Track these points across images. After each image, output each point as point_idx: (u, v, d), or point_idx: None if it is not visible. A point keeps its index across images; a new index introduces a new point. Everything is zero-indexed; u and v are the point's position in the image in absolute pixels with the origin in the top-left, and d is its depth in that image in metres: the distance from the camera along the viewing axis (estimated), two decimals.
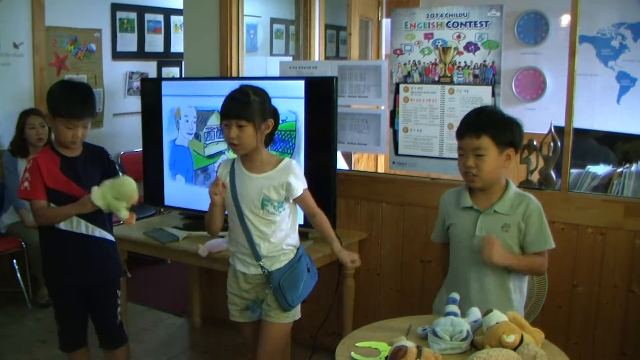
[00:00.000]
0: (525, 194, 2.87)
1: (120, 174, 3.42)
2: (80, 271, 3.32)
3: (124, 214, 3.12)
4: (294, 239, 3.18)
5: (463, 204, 2.89)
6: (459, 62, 3.71)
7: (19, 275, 5.32)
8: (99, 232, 3.32)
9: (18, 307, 5.29)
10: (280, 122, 3.31)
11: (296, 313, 3.20)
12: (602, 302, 3.54)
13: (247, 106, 2.97)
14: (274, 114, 3.11)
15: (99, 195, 3.06)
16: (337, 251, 3.20)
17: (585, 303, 3.57)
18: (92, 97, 3.34)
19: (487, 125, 2.76)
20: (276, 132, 3.20)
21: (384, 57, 6.30)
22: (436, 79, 3.79)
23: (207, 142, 4.14)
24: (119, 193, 3.08)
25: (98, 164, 3.34)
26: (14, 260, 5.34)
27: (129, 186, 3.11)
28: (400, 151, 3.97)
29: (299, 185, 3.07)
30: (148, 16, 7.28)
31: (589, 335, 3.59)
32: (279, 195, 3.04)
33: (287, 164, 3.08)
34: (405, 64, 3.88)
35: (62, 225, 3.24)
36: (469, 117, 2.88)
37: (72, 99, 3.22)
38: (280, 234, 3.09)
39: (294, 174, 3.05)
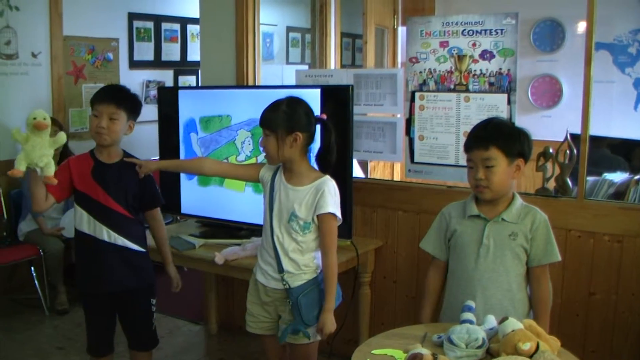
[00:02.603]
0: (531, 207, 2.86)
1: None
2: (98, 278, 3.33)
3: (49, 168, 2.97)
4: (319, 259, 3.08)
5: (470, 213, 2.88)
6: (475, 70, 3.71)
7: (36, 282, 5.35)
8: (122, 241, 3.31)
9: (35, 314, 5.32)
10: None
11: (316, 333, 3.11)
12: (619, 311, 3.52)
13: (271, 116, 2.99)
14: (304, 127, 3.00)
15: (19, 158, 2.93)
16: (324, 309, 3.02)
17: (602, 311, 3.56)
18: (122, 92, 3.39)
19: (495, 136, 2.77)
20: (310, 145, 3.07)
21: (399, 65, 6.32)
22: (452, 87, 3.79)
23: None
24: (29, 126, 2.92)
25: (135, 175, 3.31)
26: (32, 268, 5.37)
27: (29, 115, 2.93)
28: (416, 159, 3.97)
29: (330, 202, 2.97)
30: (165, 25, 7.32)
31: (606, 344, 3.57)
32: (307, 213, 2.99)
33: (325, 180, 3.01)
34: (420, 72, 3.88)
35: (85, 229, 3.28)
36: (476, 129, 2.88)
37: (102, 89, 3.40)
38: (300, 253, 3.04)
39: (329, 189, 2.98)
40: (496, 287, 2.83)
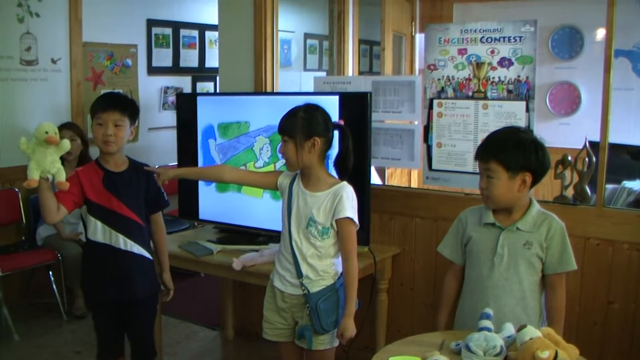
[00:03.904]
0: (549, 214, 2.85)
1: (163, 192, 3.49)
2: (117, 286, 3.34)
3: (61, 174, 3.00)
4: (338, 265, 3.11)
5: (485, 220, 2.88)
6: (493, 78, 3.71)
7: (54, 286, 5.38)
8: (137, 249, 3.34)
9: (53, 318, 5.34)
10: None
11: (333, 339, 3.14)
12: (638, 320, 3.49)
13: (288, 122, 3.02)
14: (321, 132, 3.01)
15: (31, 168, 2.96)
16: (345, 315, 3.02)
17: (620, 320, 3.53)
18: (123, 98, 3.47)
19: (494, 150, 2.77)
20: (328, 151, 3.09)
21: (417, 72, 6.32)
22: (470, 94, 3.79)
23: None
24: (38, 140, 2.94)
25: (144, 183, 3.36)
26: (50, 272, 5.40)
27: (39, 129, 2.96)
28: (433, 166, 3.96)
29: (348, 207, 2.99)
30: (183, 32, 7.35)
31: (624, 353, 3.54)
32: (325, 218, 3.01)
33: (343, 186, 3.04)
34: (439, 80, 3.88)
35: (100, 238, 3.28)
36: (485, 139, 2.89)
37: (101, 97, 3.44)
38: (319, 259, 3.05)
39: (347, 194, 3.00)
40: (509, 295, 2.83)
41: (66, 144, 3.03)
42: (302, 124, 2.99)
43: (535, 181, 2.78)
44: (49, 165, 2.96)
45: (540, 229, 2.80)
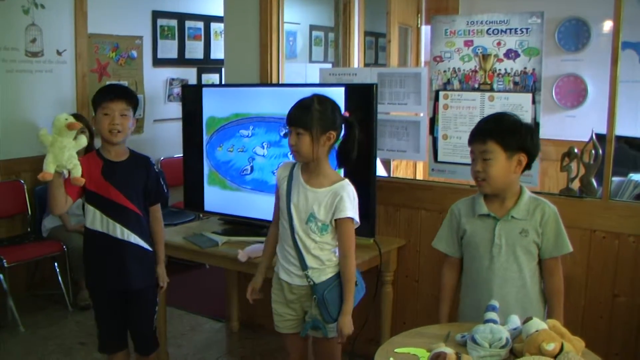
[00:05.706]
0: (540, 199, 2.86)
1: (163, 184, 3.49)
2: (114, 275, 3.36)
3: (76, 170, 3.01)
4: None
5: (479, 212, 2.87)
6: (499, 69, 3.69)
7: (60, 278, 5.40)
8: (134, 239, 3.35)
9: (59, 309, 5.37)
10: None
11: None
12: None
13: (305, 114, 2.95)
14: (337, 126, 3.01)
15: (48, 161, 2.95)
16: (343, 312, 3.02)
17: (626, 313, 3.53)
18: (127, 89, 3.49)
19: (493, 130, 2.78)
20: (334, 145, 3.07)
21: (422, 64, 6.30)
22: (476, 86, 3.78)
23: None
24: (58, 129, 2.93)
25: (143, 173, 3.38)
26: (55, 264, 5.42)
27: (58, 118, 2.95)
28: (439, 158, 3.96)
29: (349, 207, 2.97)
30: (188, 23, 7.35)
31: (630, 346, 3.54)
32: (326, 215, 2.99)
33: (345, 184, 3.01)
34: (445, 71, 3.87)
35: (98, 227, 3.30)
36: (478, 123, 2.91)
37: (105, 88, 3.46)
38: (321, 250, 3.04)
39: (347, 194, 2.98)
40: (511, 284, 2.83)
41: (83, 140, 3.04)
42: (318, 117, 2.94)
43: (528, 163, 2.79)
44: (66, 161, 2.97)
45: (535, 215, 2.81)
